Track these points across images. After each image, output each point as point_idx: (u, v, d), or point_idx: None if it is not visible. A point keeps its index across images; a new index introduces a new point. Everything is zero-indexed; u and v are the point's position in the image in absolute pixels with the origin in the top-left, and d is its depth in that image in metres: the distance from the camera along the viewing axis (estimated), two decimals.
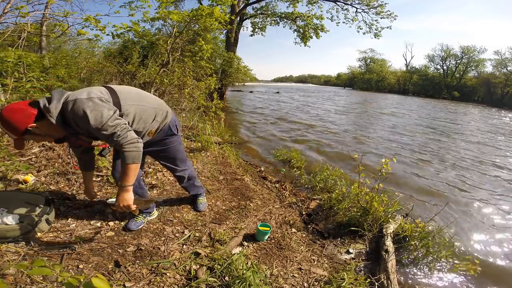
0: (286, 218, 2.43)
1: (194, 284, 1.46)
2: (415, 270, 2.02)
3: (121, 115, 1.36)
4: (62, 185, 2.30)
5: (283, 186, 3.22)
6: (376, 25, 13.13)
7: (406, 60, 69.33)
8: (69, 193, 2.20)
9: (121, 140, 1.29)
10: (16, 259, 1.44)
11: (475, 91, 42.39)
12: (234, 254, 1.73)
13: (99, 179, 2.48)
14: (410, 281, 1.92)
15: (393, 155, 4.70)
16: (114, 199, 2.17)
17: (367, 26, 13.36)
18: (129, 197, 1.41)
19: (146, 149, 1.78)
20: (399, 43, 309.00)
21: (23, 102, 1.25)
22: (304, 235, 2.21)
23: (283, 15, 13.69)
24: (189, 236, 1.89)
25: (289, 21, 13.72)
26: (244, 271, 1.52)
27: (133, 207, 1.44)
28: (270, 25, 14.46)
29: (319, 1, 13.01)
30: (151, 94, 1.70)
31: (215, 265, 1.60)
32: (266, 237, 2.02)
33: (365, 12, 13.03)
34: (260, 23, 14.63)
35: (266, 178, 3.44)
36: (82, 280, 0.65)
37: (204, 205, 2.31)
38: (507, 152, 6.68)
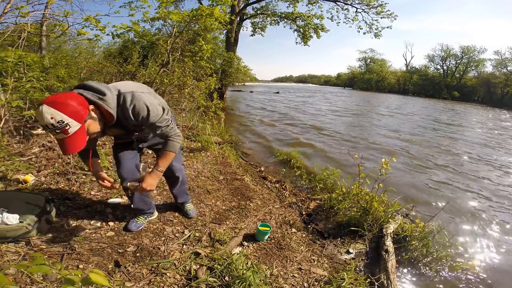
0: (286, 218, 2.43)
1: (194, 284, 1.46)
2: (415, 270, 2.02)
3: None
4: (62, 185, 2.30)
5: (283, 186, 3.22)
6: (377, 25, 13.14)
7: (406, 60, 69.38)
8: (69, 193, 2.20)
9: (171, 131, 1.44)
10: (16, 259, 1.44)
11: (475, 91, 42.41)
12: (234, 254, 1.73)
13: None
14: (410, 281, 1.92)
15: (393, 156, 4.71)
16: (115, 199, 2.18)
17: (367, 26, 13.36)
18: (156, 182, 1.48)
19: (154, 146, 1.80)
20: (399, 43, 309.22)
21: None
22: (304, 235, 2.21)
23: (283, 15, 13.68)
24: (189, 236, 1.89)
25: (289, 21, 13.72)
26: (244, 271, 1.52)
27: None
28: (270, 24, 14.45)
29: (319, 1, 13.01)
30: None
31: (215, 265, 1.60)
32: (266, 237, 2.02)
33: (365, 12, 13.04)
34: (260, 23, 14.63)
35: (266, 178, 3.44)
36: (80, 275, 0.65)
37: (194, 211, 2.20)
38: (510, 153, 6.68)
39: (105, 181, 1.48)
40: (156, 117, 1.34)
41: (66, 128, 1.09)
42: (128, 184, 1.45)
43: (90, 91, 1.20)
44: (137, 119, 1.32)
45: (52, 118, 1.04)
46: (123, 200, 2.19)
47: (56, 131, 1.08)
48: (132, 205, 1.88)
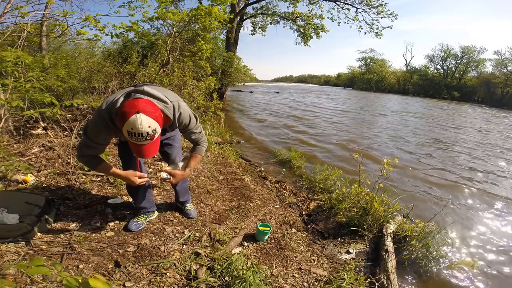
0: (286, 218, 2.43)
1: (194, 284, 1.46)
2: (415, 270, 2.02)
3: None
4: (62, 185, 2.30)
5: (283, 186, 3.22)
6: (377, 25, 13.14)
7: (406, 60, 69.44)
8: (69, 193, 2.20)
9: (202, 137, 1.65)
10: (16, 259, 1.43)
11: (475, 91, 42.36)
12: (234, 254, 1.73)
13: (99, 179, 2.48)
14: (410, 281, 1.92)
15: (394, 157, 4.70)
16: (115, 199, 2.19)
17: (368, 26, 13.37)
18: (182, 179, 1.70)
19: (166, 140, 1.83)
20: (399, 43, 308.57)
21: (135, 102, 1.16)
22: (304, 235, 2.21)
23: (283, 15, 13.69)
24: (189, 236, 1.89)
25: (290, 21, 13.73)
26: (244, 271, 1.52)
27: None
28: (271, 24, 14.47)
29: (319, 1, 13.01)
30: None
31: (215, 265, 1.60)
32: (266, 237, 2.02)
33: (365, 12, 13.04)
34: (260, 22, 14.63)
35: (266, 178, 3.44)
36: (80, 280, 0.64)
37: (195, 211, 2.19)
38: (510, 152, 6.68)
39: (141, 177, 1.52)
40: (194, 124, 1.53)
41: (155, 134, 1.16)
42: (164, 175, 1.55)
43: (153, 98, 1.25)
44: (179, 125, 1.47)
45: (149, 126, 1.12)
46: (123, 200, 2.19)
47: (147, 138, 1.14)
48: (134, 204, 1.89)
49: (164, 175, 1.57)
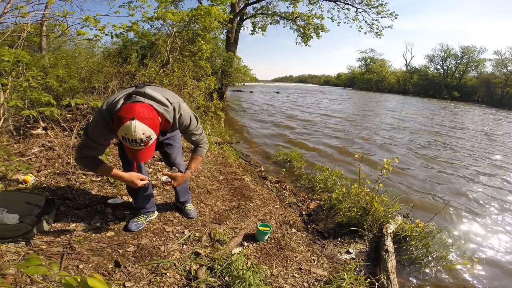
0: (286, 218, 2.43)
1: (194, 284, 1.46)
2: (415, 270, 2.02)
3: None
4: (62, 185, 2.30)
5: (283, 186, 3.22)
6: (377, 25, 13.12)
7: (406, 60, 69.48)
8: (69, 193, 2.20)
9: (203, 138, 1.64)
10: (16, 259, 1.43)
11: (475, 91, 42.37)
12: (234, 254, 1.73)
13: (99, 179, 2.48)
14: (410, 281, 1.92)
15: (394, 157, 4.70)
16: (115, 199, 2.19)
17: (368, 25, 13.36)
18: (184, 181, 1.71)
19: (166, 140, 1.82)
20: (399, 43, 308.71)
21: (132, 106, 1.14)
22: (304, 235, 2.21)
23: (283, 15, 13.69)
24: (189, 236, 1.89)
25: (290, 21, 13.72)
26: (244, 271, 1.52)
27: None
28: (271, 24, 14.46)
29: (319, 1, 12.99)
30: None
31: (215, 265, 1.60)
32: (266, 237, 2.01)
33: (365, 12, 13.03)
34: (260, 22, 14.61)
35: (266, 178, 3.44)
36: (79, 280, 0.64)
37: (195, 211, 2.19)
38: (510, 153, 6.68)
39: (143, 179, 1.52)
40: (194, 126, 1.53)
41: (150, 141, 1.16)
42: (164, 178, 1.56)
43: (153, 101, 1.24)
44: (180, 126, 1.46)
45: (143, 133, 1.12)
46: (123, 200, 2.19)
47: (141, 144, 1.14)
48: (134, 204, 1.89)
49: (164, 178, 1.58)
